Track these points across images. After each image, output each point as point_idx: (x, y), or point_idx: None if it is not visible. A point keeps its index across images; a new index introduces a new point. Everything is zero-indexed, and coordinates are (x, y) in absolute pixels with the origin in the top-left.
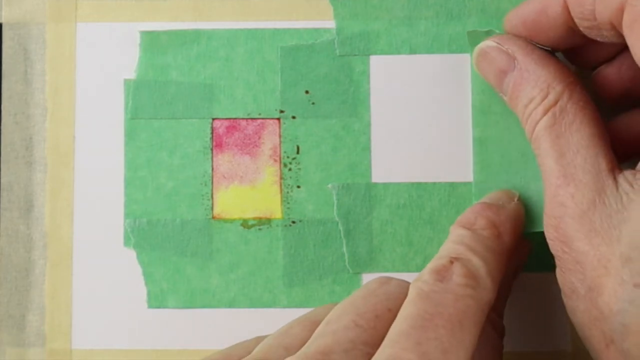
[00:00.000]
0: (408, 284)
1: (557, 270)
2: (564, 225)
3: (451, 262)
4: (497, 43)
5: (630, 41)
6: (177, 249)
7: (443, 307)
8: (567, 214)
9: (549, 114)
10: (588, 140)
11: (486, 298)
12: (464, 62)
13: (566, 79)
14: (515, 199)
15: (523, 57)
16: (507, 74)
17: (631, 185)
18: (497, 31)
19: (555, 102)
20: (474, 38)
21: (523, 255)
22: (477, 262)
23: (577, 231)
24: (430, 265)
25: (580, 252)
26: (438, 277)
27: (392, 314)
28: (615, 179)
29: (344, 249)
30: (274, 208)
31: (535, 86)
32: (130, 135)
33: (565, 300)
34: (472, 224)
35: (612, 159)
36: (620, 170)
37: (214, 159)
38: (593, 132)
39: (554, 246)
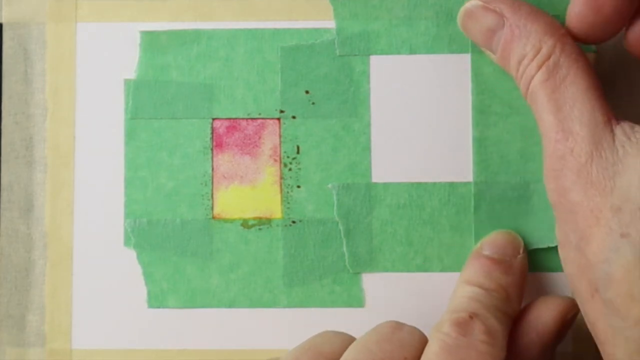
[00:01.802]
0: (420, 331)
1: (556, 222)
2: (563, 177)
3: (471, 317)
4: (483, 2)
5: None
6: (177, 249)
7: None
8: (567, 166)
9: (543, 68)
10: (583, 94)
11: (501, 358)
12: (464, 62)
13: (557, 32)
14: (521, 251)
15: (512, 14)
16: (496, 33)
17: (628, 138)
18: None
19: (549, 56)
20: None
21: None
22: (494, 322)
23: (574, 183)
24: (450, 317)
25: (575, 202)
26: (460, 331)
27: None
28: (612, 131)
29: (344, 249)
30: (274, 208)
31: (527, 42)
32: (130, 135)
33: (559, 250)
34: (482, 285)
35: (608, 111)
36: (618, 121)
37: (214, 159)
38: (587, 85)
39: (552, 196)
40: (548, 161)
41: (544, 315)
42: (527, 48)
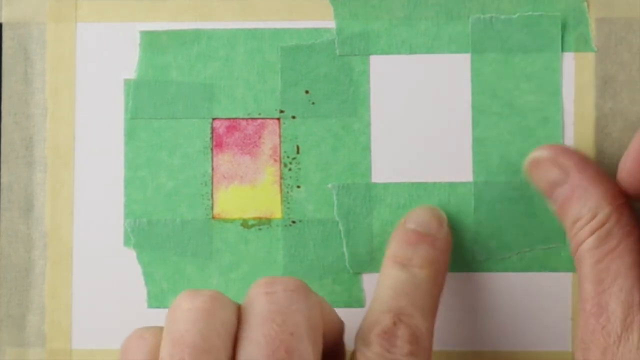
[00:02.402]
0: (294, 281)
1: None
2: (589, 352)
3: (395, 324)
4: (552, 154)
5: None
6: (177, 249)
7: None
8: (595, 343)
9: (594, 236)
10: (627, 270)
11: (427, 358)
12: (464, 62)
13: (616, 201)
14: (445, 225)
15: (576, 173)
16: (558, 187)
17: None
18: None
19: (602, 224)
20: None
21: None
22: (418, 320)
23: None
24: (375, 324)
25: None
26: (385, 345)
27: (296, 338)
28: None
29: (344, 249)
30: (274, 208)
31: (585, 205)
32: (130, 135)
33: None
34: (409, 260)
35: None
36: None
37: (214, 158)
38: (633, 261)
39: None
40: (579, 332)
41: None
42: (583, 210)
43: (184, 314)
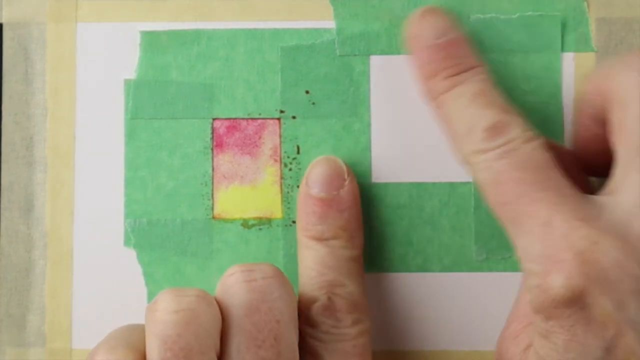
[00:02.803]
0: (269, 267)
1: None
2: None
3: (330, 299)
4: None
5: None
6: (177, 249)
7: (348, 356)
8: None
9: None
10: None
11: (369, 322)
12: None
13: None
14: (346, 175)
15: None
16: None
17: None
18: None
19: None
20: None
21: None
22: (350, 287)
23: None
24: (312, 303)
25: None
26: (329, 322)
27: (282, 325)
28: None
29: None
30: (274, 208)
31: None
32: (130, 135)
33: None
34: (322, 234)
35: None
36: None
37: (215, 159)
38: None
39: None
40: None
41: None
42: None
43: (172, 317)
